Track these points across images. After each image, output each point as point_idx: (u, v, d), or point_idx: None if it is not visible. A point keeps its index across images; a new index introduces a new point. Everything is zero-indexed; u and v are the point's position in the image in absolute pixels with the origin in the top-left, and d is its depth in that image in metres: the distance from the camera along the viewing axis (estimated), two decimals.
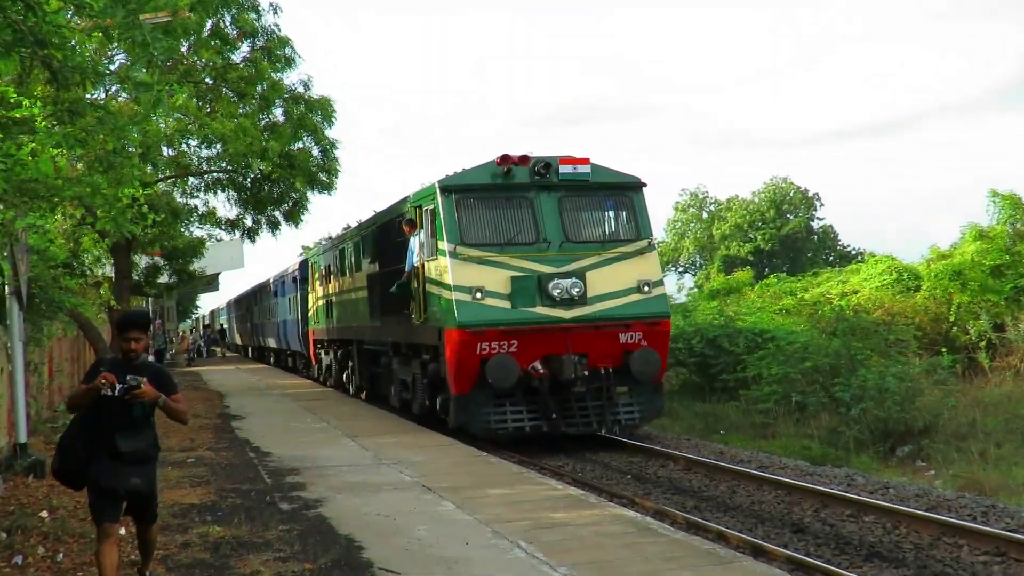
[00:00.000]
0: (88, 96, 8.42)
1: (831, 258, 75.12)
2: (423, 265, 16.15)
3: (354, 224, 23.52)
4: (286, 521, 9.21)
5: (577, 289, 15.08)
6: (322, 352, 28.80)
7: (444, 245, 15.19)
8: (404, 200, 17.75)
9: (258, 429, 17.10)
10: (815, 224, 79.44)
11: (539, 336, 14.98)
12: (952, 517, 10.56)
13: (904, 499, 11.71)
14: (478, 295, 14.81)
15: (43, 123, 8.27)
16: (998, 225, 25.73)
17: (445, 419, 15.89)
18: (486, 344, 14.73)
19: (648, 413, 16.04)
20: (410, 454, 13.37)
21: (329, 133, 24.06)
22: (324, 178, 24.29)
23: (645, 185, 16.36)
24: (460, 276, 14.94)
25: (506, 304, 14.92)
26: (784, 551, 9.23)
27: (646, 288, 15.58)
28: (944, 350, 21.77)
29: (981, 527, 9.93)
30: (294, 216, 26.41)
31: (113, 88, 15.48)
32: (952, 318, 24.23)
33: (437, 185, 15.54)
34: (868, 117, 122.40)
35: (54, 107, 7.87)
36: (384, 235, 19.40)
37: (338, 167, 24.46)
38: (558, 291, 14.99)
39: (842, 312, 22.99)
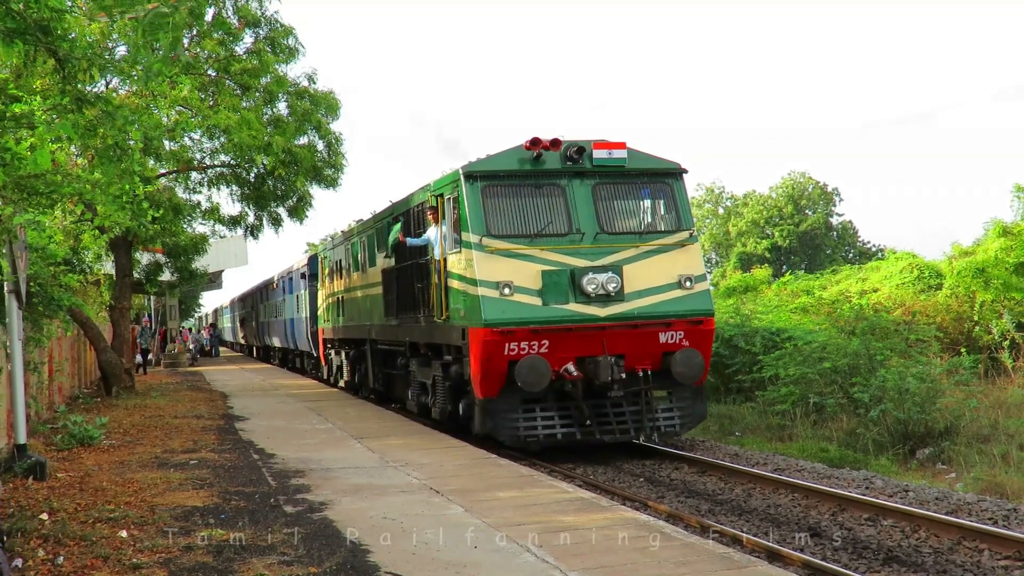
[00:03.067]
0: (90, 87, 8.29)
1: (851, 255, 74.81)
2: (444, 259, 15.15)
3: (367, 216, 22.49)
4: (290, 524, 9.06)
5: (613, 284, 14.07)
6: (332, 352, 27.88)
7: (469, 236, 14.18)
8: (424, 188, 16.69)
9: (262, 431, 16.91)
10: (834, 220, 79.09)
11: (572, 336, 14.00)
12: (973, 520, 10.43)
13: (924, 502, 11.52)
14: (506, 291, 13.83)
15: (42, 116, 8.13)
16: (1022, 221, 25.38)
17: (468, 426, 15.03)
18: (515, 344, 13.76)
19: (689, 419, 15.06)
20: (417, 456, 13.19)
21: (334, 127, 23.98)
22: (329, 173, 24.13)
23: (686, 172, 15.37)
24: (486, 270, 13.93)
25: (536, 300, 13.95)
26: (800, 555, 9.08)
27: (688, 283, 14.57)
28: (963, 350, 21.46)
29: (1002, 531, 9.76)
30: (298, 212, 26.25)
31: (114, 81, 15.39)
32: (976, 317, 23.90)
33: (461, 171, 14.55)
34: (890, 109, 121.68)
35: (60, 97, 7.72)
36: (401, 227, 18.08)
37: (343, 162, 24.36)
38: (593, 286, 13.98)
39: (861, 311, 22.70)
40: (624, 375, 14.15)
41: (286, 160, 22.16)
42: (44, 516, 9.36)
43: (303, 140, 23.21)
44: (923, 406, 16.41)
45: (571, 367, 13.97)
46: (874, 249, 74.41)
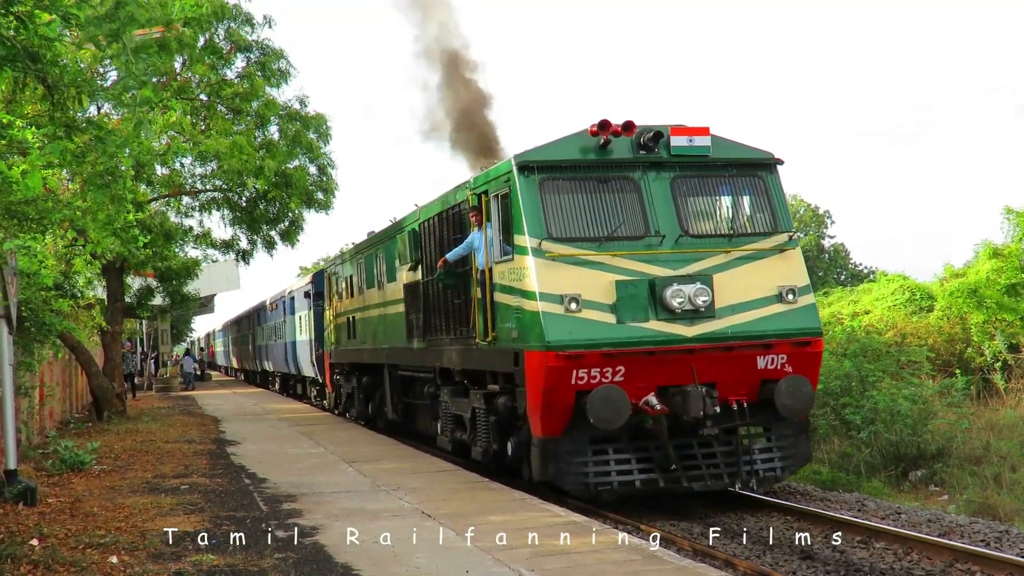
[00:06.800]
0: (80, 114, 8.33)
1: (843, 277, 74.90)
2: (490, 269, 12.79)
3: (381, 226, 20.45)
4: (282, 549, 9.03)
5: (703, 297, 11.70)
6: (341, 378, 24.96)
7: (524, 240, 11.81)
8: (462, 186, 14.22)
9: (254, 455, 16.86)
10: (826, 242, 79.26)
11: (654, 361, 11.61)
12: (965, 543, 10.42)
13: (916, 524, 11.52)
14: (573, 306, 11.45)
15: (35, 142, 8.17)
16: (1013, 243, 25.50)
17: (519, 469, 12.83)
18: (584, 372, 11.39)
19: (792, 461, 12.63)
20: (409, 480, 13.14)
21: (325, 151, 24.15)
22: (320, 197, 24.26)
23: (781, 163, 13.03)
24: (548, 281, 11.56)
25: (610, 318, 11.57)
26: None
27: (790, 296, 12.18)
28: (958, 371, 21.52)
29: (994, 553, 9.78)
30: (290, 236, 26.34)
31: (106, 106, 15.48)
32: (976, 338, 23.99)
33: (513, 162, 12.16)
34: (882, 124, 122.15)
35: (51, 123, 7.77)
36: (427, 235, 15.93)
37: (335, 185, 24.54)
38: (679, 300, 11.60)
39: (853, 333, 22.76)
40: (718, 408, 11.86)
41: (279, 183, 22.26)
42: (34, 542, 9.32)
43: (295, 164, 23.37)
44: (915, 428, 16.45)
45: (653, 399, 11.61)
46: (866, 271, 74.59)
